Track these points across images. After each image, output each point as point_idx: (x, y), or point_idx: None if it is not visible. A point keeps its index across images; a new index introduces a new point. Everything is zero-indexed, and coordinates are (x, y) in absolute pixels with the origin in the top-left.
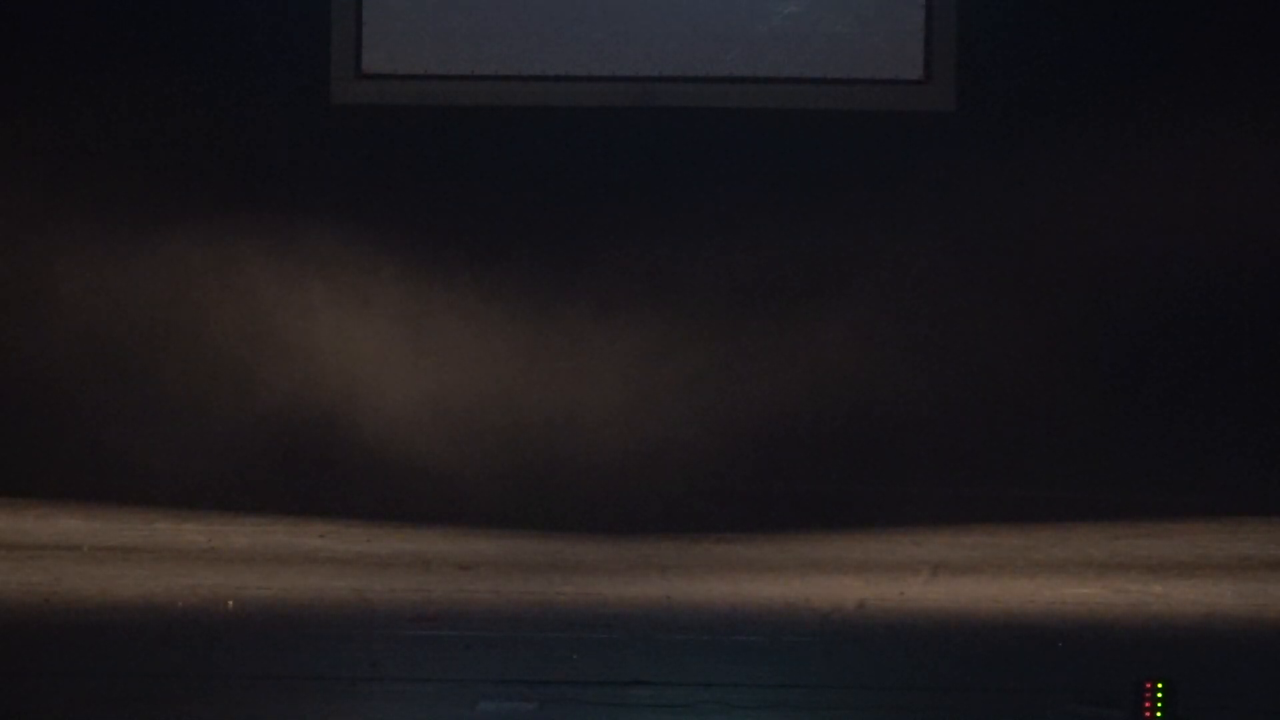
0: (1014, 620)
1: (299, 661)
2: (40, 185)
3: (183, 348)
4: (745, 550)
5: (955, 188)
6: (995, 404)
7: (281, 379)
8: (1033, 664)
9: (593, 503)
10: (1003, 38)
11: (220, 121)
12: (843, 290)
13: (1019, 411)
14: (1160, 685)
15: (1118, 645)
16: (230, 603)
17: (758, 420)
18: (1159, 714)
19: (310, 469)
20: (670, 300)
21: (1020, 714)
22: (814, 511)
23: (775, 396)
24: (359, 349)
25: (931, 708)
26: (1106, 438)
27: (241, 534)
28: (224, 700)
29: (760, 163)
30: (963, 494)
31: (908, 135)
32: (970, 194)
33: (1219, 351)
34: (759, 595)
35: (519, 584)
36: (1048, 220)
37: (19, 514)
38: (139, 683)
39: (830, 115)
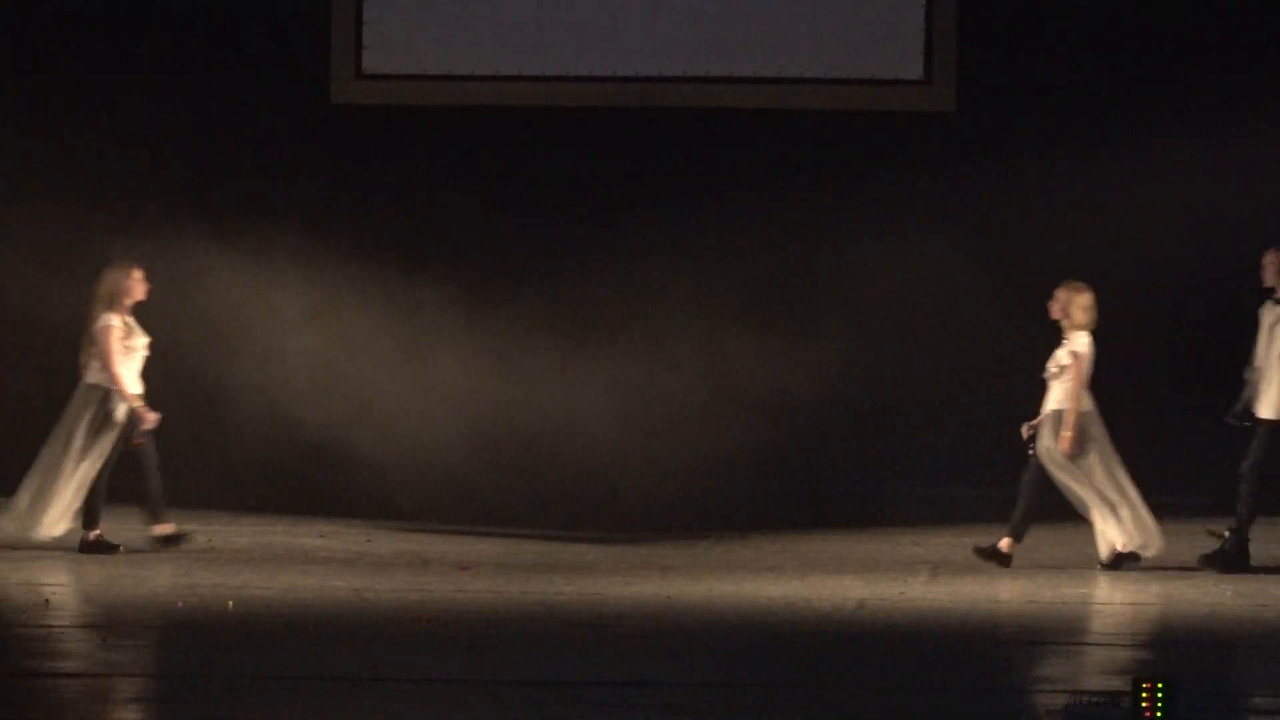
0: (1014, 620)
1: (299, 661)
2: (41, 186)
3: (182, 348)
4: (745, 550)
5: (955, 187)
6: (996, 404)
7: (275, 381)
8: (1033, 664)
9: (592, 504)
10: (1003, 38)
11: (220, 121)
12: (842, 290)
13: (1020, 411)
14: (1160, 685)
15: (1118, 645)
16: (230, 603)
17: (758, 420)
18: (1159, 714)
19: (311, 472)
20: (669, 300)
21: (1020, 714)
22: (814, 511)
23: (775, 396)
24: (355, 349)
25: (931, 708)
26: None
27: (241, 534)
28: (224, 700)
29: (760, 163)
30: (963, 494)
31: (908, 135)
32: (970, 193)
33: (1219, 351)
34: (759, 595)
35: (519, 584)
36: (1047, 219)
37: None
38: (139, 683)
39: (830, 115)
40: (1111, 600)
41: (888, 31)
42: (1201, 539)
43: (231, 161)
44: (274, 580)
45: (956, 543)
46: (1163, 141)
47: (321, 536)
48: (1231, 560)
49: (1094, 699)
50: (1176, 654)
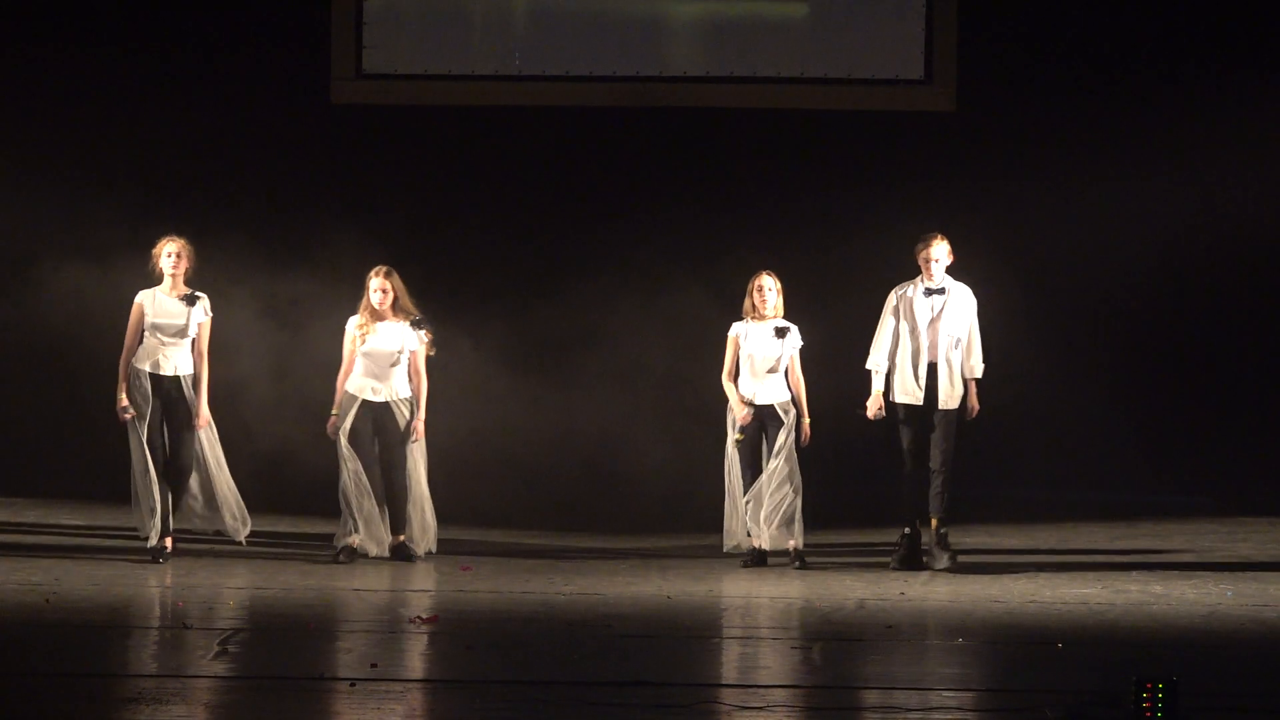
0: (1014, 620)
1: (299, 661)
2: (40, 187)
3: None
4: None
5: (955, 188)
6: (995, 404)
7: (273, 382)
8: (1033, 664)
9: (592, 505)
10: (1003, 38)
11: (220, 121)
12: (842, 290)
13: (1020, 412)
14: (1160, 685)
15: (1118, 645)
16: (231, 603)
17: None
18: (1159, 714)
19: (310, 473)
20: (667, 299)
21: (1020, 714)
22: (814, 511)
23: None
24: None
25: (931, 708)
26: (1107, 438)
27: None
28: (225, 700)
29: (760, 162)
30: (963, 494)
31: (908, 135)
32: (969, 194)
33: (1219, 352)
34: (758, 595)
35: (519, 584)
36: (1047, 220)
37: (19, 514)
38: (138, 683)
39: (830, 115)
40: (1112, 600)
41: (888, 31)
42: (1198, 539)
43: (231, 161)
44: (274, 580)
45: (958, 543)
46: (1163, 142)
47: (321, 537)
48: (909, 559)
49: (1094, 699)
50: (1176, 654)
